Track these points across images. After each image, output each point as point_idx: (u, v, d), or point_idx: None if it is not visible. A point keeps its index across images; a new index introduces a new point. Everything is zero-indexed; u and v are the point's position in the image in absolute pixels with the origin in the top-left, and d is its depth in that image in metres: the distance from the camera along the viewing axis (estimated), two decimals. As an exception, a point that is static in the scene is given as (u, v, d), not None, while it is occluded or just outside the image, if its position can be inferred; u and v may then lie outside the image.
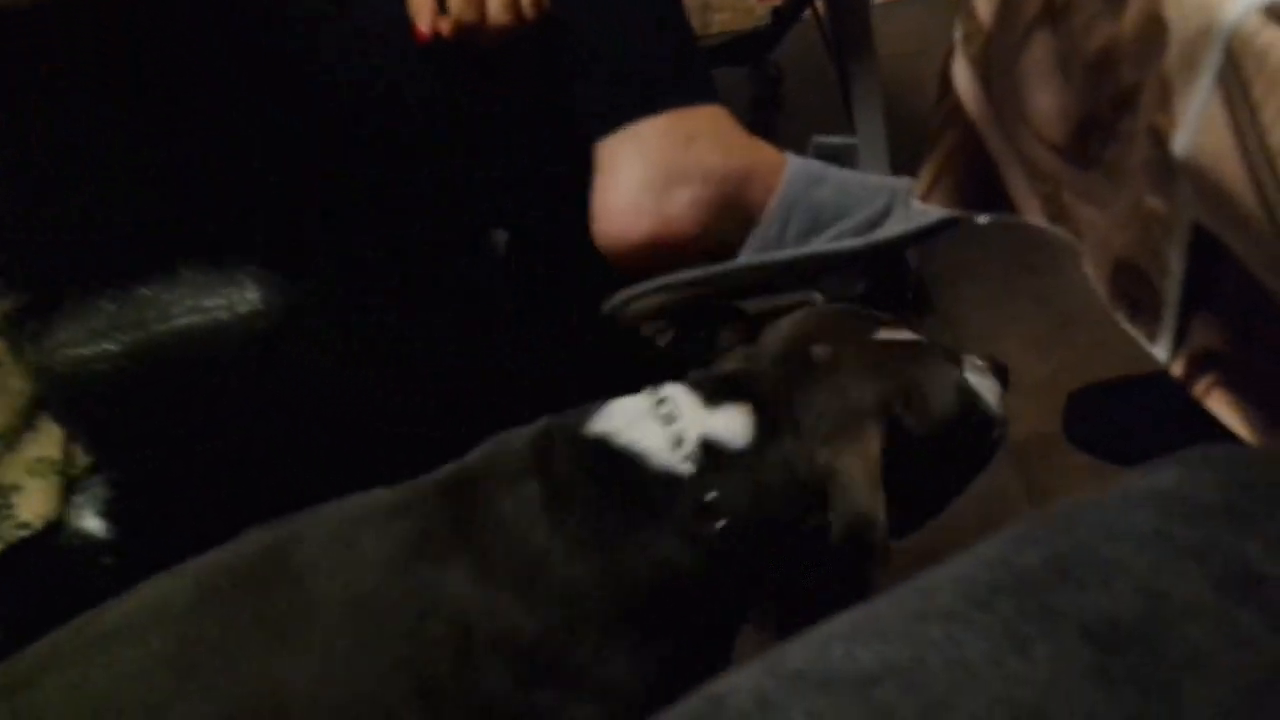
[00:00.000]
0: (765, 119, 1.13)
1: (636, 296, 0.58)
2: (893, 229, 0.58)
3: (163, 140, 0.60)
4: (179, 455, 0.61)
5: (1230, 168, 0.31)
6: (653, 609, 0.43)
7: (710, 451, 0.43)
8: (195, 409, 0.59)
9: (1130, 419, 0.69)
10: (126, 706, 0.41)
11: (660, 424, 0.44)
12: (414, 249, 0.66)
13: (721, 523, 0.43)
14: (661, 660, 0.43)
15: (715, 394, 0.45)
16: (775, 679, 0.24)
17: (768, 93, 1.21)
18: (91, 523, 0.61)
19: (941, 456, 0.46)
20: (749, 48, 1.21)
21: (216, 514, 0.62)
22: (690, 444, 0.43)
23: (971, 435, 0.47)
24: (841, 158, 0.64)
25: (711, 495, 0.43)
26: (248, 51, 0.58)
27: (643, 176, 0.56)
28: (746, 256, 0.58)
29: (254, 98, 0.59)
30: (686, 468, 0.43)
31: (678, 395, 0.45)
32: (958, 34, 0.49)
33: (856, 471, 0.42)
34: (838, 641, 0.25)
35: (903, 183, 0.59)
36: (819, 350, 0.45)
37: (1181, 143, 0.34)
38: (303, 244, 0.62)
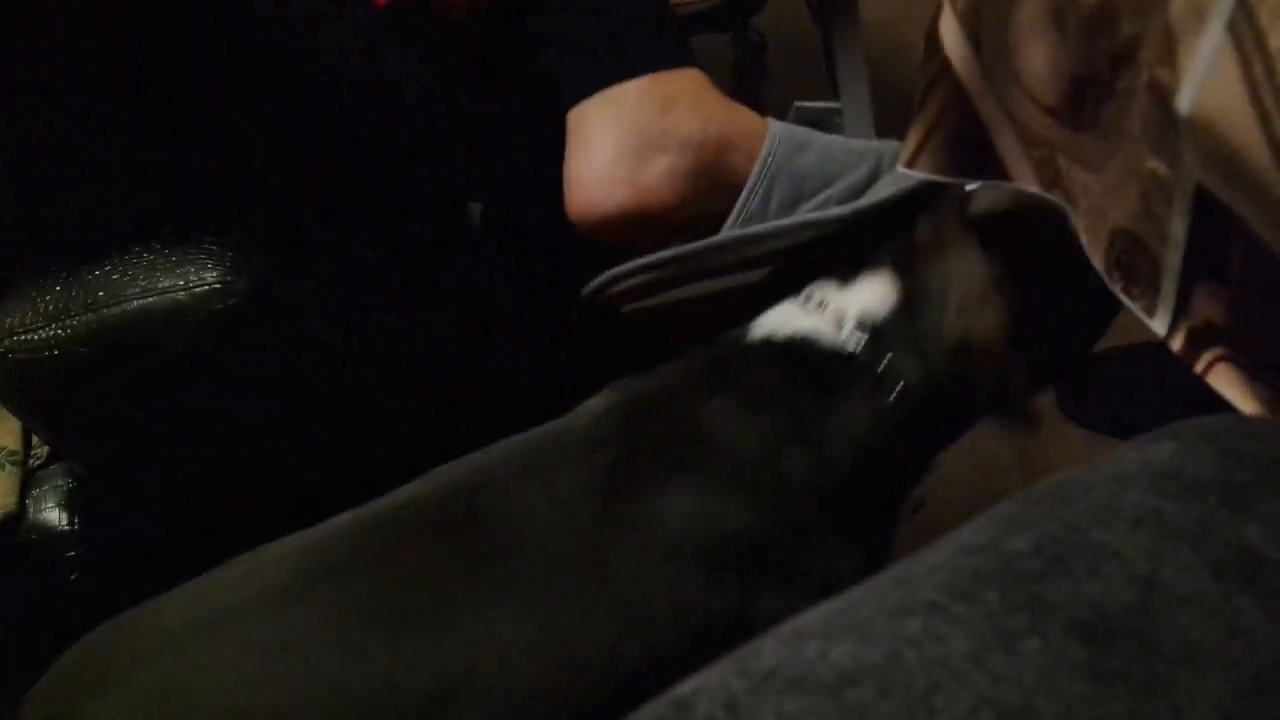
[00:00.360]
0: (750, 87, 1.11)
1: (618, 278, 0.56)
2: (880, 194, 0.55)
3: (160, 139, 0.58)
4: (141, 442, 0.59)
5: (1242, 124, 0.29)
6: (856, 495, 0.44)
7: (868, 323, 0.45)
8: (155, 394, 0.57)
9: (1124, 388, 0.68)
10: (324, 661, 0.38)
11: (816, 312, 0.46)
12: (414, 248, 0.64)
13: (896, 392, 0.44)
14: (868, 550, 0.44)
15: (849, 274, 0.47)
16: (745, 679, 0.23)
17: (752, 60, 1.18)
18: (52, 514, 0.59)
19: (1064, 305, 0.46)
20: (732, 14, 1.18)
21: (188, 502, 0.60)
22: (849, 320, 0.45)
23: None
24: (824, 123, 0.61)
25: (883, 365, 0.44)
26: (247, 51, 0.57)
27: (617, 143, 0.54)
28: (730, 230, 0.56)
29: (254, 97, 0.57)
30: (854, 342, 0.45)
31: (816, 287, 0.47)
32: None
33: (988, 337, 0.43)
34: (812, 639, 0.24)
35: (889, 146, 0.56)
36: (923, 228, 0.47)
37: (1187, 98, 0.32)
38: (302, 243, 0.60)
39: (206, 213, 0.58)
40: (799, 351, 0.45)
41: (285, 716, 0.38)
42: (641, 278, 0.56)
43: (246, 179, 0.59)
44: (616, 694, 0.40)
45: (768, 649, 0.25)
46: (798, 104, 0.63)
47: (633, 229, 0.56)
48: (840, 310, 0.46)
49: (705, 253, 0.55)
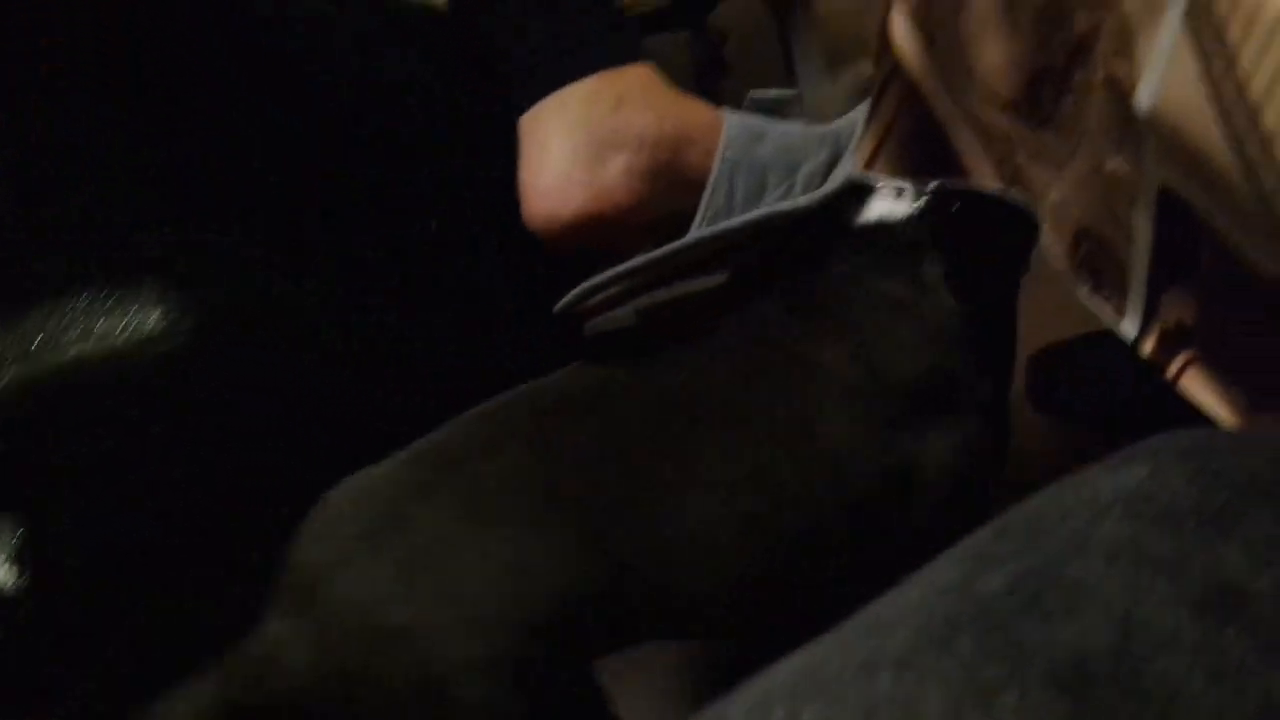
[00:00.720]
0: (709, 85, 1.09)
1: (593, 290, 0.54)
2: (839, 178, 0.54)
3: (160, 139, 0.56)
4: (95, 494, 0.57)
5: (1203, 120, 0.28)
6: (976, 328, 0.46)
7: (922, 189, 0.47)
8: (106, 444, 0.55)
9: (1092, 380, 0.67)
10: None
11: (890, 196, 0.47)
12: (414, 248, 0.63)
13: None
14: (995, 379, 0.47)
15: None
16: (709, 752, 0.21)
17: (711, 57, 1.16)
18: (1, 571, 0.56)
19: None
20: (687, 12, 1.16)
21: (158, 547, 0.58)
22: (908, 190, 0.47)
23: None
24: (781, 111, 0.60)
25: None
26: (247, 51, 0.55)
27: (571, 147, 0.52)
28: (697, 229, 0.54)
29: (253, 97, 0.56)
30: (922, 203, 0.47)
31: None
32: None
33: None
34: (779, 702, 0.22)
35: (848, 124, 0.55)
36: None
37: (1146, 94, 0.31)
38: (302, 244, 0.58)
39: (204, 213, 0.56)
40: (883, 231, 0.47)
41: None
42: (614, 289, 0.54)
43: (246, 179, 0.57)
44: (822, 554, 0.41)
45: (734, 712, 0.23)
46: (753, 94, 0.61)
47: (595, 233, 0.54)
48: (898, 186, 0.47)
49: (676, 255, 0.53)
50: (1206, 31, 0.28)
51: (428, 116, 0.57)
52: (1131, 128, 0.32)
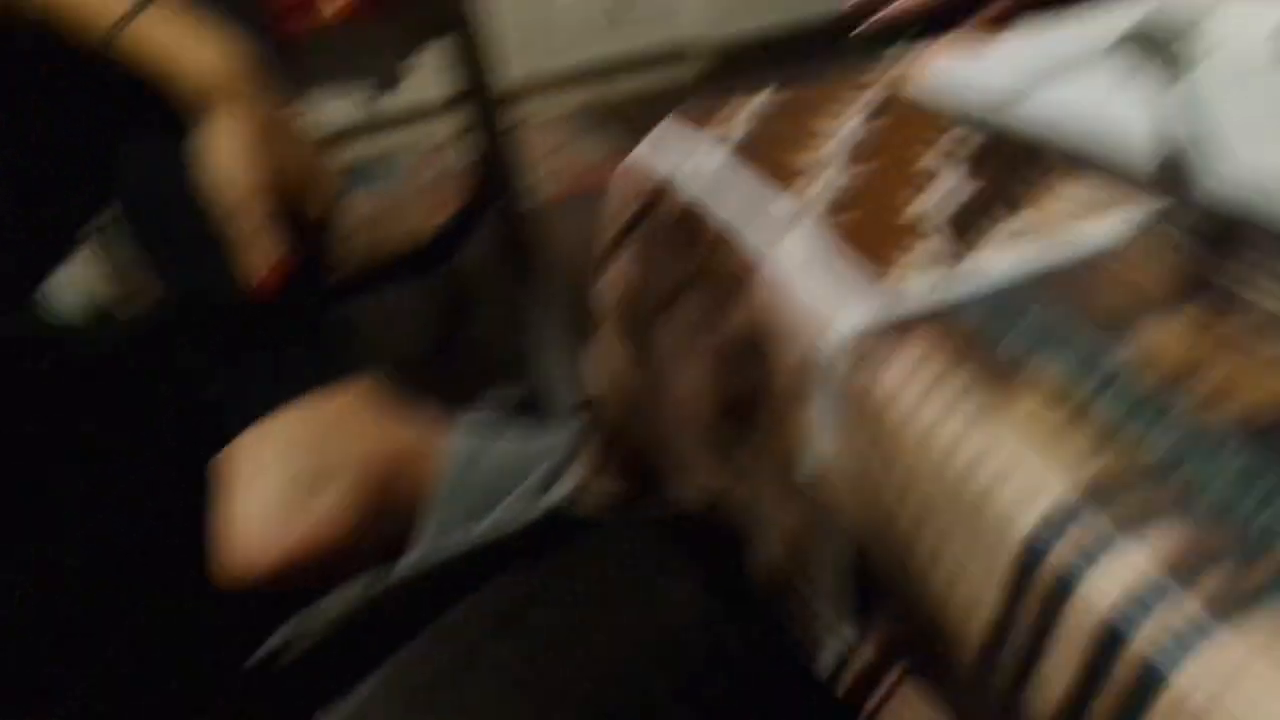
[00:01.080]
0: (449, 334, 1.10)
1: (301, 633, 0.48)
2: (569, 484, 0.54)
3: None
4: None
5: (862, 487, 0.31)
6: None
7: None
8: None
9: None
10: None
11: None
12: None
13: None
14: None
15: None
16: None
17: (450, 306, 1.18)
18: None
19: None
20: (428, 261, 1.18)
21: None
22: None
23: None
24: (516, 409, 0.60)
25: None
26: None
27: (275, 485, 0.47)
28: (413, 556, 0.51)
29: None
30: None
31: None
32: (606, 300, 0.47)
33: None
34: None
35: (567, 436, 0.56)
36: None
37: (806, 464, 0.34)
38: None
39: None
40: None
41: None
42: (322, 626, 0.49)
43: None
44: None
45: None
46: (489, 395, 0.62)
47: (306, 572, 0.48)
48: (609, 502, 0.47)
49: (386, 589, 0.49)
50: (853, 405, 0.31)
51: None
52: (798, 488, 0.35)
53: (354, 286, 1.22)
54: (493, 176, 0.95)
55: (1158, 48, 0.29)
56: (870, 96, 0.46)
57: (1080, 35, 0.39)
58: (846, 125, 0.43)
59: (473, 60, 0.88)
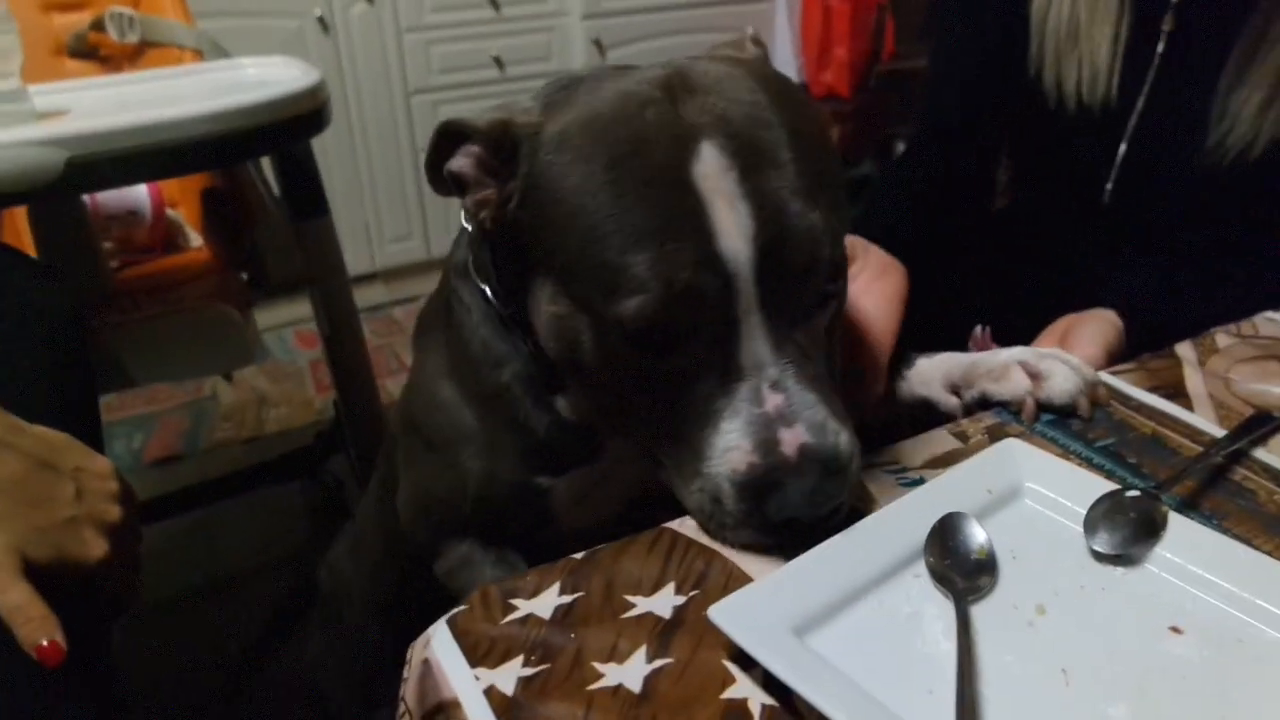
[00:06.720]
0: (324, 529, 1.13)
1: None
2: None
3: None
4: None
5: None
6: None
7: None
8: None
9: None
10: None
11: None
12: None
13: None
14: None
15: None
16: None
17: (325, 503, 1.21)
18: None
19: None
20: (303, 460, 1.23)
21: None
22: None
23: None
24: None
25: None
26: None
27: None
28: None
29: None
30: None
31: None
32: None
33: None
34: None
35: None
36: None
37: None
38: None
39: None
40: None
41: None
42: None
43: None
44: None
45: None
46: None
47: None
48: None
49: None
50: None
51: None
52: None
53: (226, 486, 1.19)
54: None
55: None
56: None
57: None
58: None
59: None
